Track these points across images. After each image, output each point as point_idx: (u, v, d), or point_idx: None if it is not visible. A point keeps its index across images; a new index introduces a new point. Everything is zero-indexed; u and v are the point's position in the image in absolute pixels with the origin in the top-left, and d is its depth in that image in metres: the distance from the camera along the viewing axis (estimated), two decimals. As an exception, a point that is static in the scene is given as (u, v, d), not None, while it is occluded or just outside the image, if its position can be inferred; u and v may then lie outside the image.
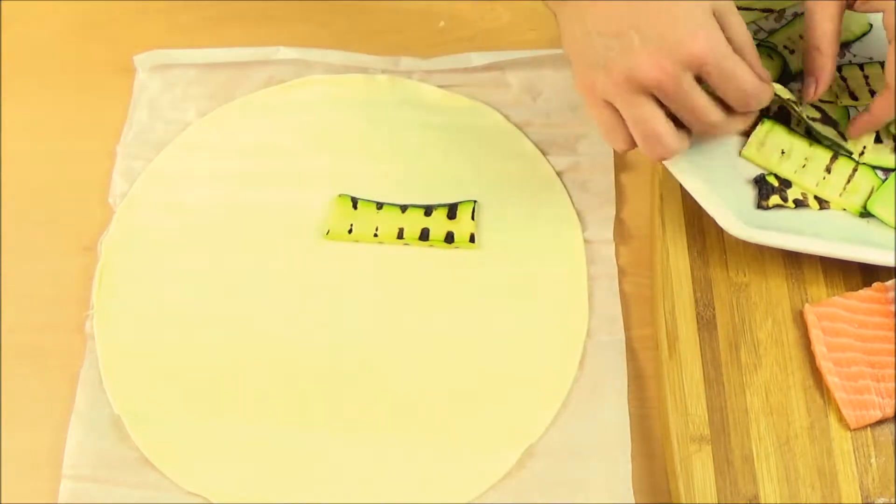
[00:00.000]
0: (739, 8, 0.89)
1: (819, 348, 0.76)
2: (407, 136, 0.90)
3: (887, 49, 0.77)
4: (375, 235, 0.85)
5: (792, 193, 0.81)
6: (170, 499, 0.76)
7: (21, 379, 0.81)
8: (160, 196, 0.88)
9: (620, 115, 0.75)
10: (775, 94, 0.77)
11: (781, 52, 0.87)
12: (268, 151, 0.90)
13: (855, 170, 0.82)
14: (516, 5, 0.96)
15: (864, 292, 0.78)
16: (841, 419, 0.74)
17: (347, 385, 0.80)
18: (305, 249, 0.85)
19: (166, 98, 0.93)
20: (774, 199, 0.81)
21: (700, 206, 0.79)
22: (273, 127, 0.91)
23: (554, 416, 0.78)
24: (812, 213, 0.81)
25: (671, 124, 0.74)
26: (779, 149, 0.82)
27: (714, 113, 0.74)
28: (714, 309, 0.78)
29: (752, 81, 0.74)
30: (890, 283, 0.77)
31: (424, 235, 0.85)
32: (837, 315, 0.77)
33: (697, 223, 0.82)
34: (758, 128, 0.82)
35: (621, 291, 0.83)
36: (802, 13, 0.88)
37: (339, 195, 0.87)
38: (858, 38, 0.88)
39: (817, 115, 0.83)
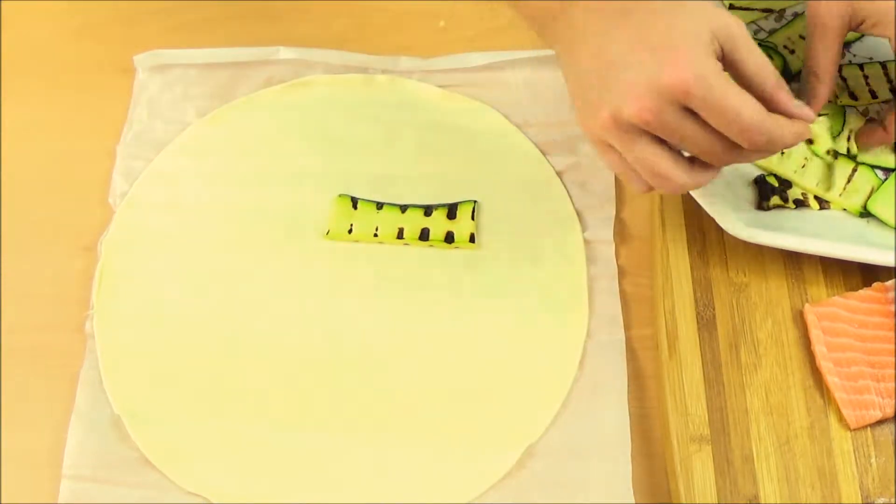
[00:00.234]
0: (739, 8, 0.89)
1: (819, 348, 0.76)
2: (407, 136, 0.90)
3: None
4: (375, 235, 0.85)
5: (792, 193, 0.81)
6: (170, 499, 0.76)
7: (21, 379, 0.81)
8: (160, 196, 0.88)
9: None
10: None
11: (781, 52, 0.87)
12: (268, 151, 0.90)
13: (855, 170, 0.82)
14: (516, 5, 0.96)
15: (864, 292, 0.78)
16: (841, 419, 0.74)
17: (347, 385, 0.80)
18: (305, 249, 0.85)
19: (166, 98, 0.93)
20: (775, 199, 0.81)
21: (700, 206, 0.79)
22: (273, 127, 0.91)
23: (554, 416, 0.78)
24: (812, 213, 0.81)
25: (679, 159, 0.69)
26: (779, 149, 0.82)
27: (716, 145, 0.67)
28: (714, 309, 0.78)
29: (752, 112, 0.66)
30: (890, 283, 0.77)
31: (424, 235, 0.85)
32: (837, 315, 0.77)
33: (697, 223, 0.82)
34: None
35: (621, 291, 0.83)
36: (802, 13, 0.88)
37: (339, 195, 0.87)
38: (859, 39, 0.88)
39: None
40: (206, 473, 0.77)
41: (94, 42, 0.96)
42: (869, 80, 0.86)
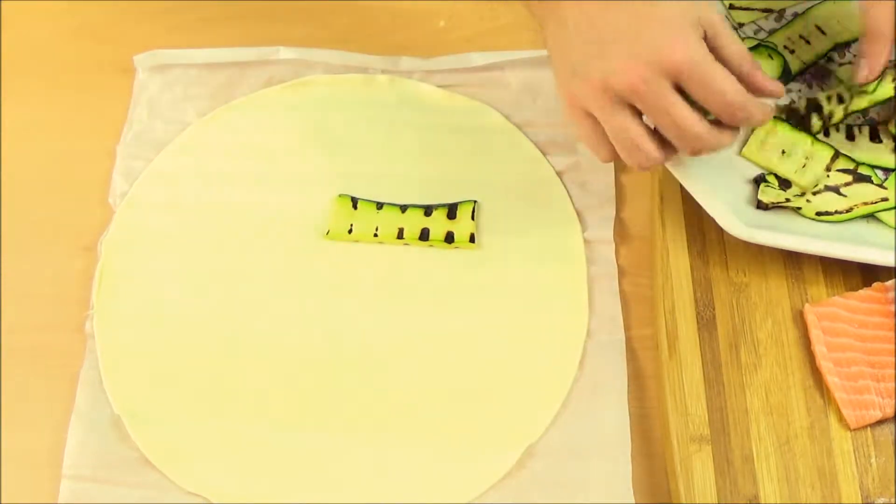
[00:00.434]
0: (740, 8, 0.90)
1: (819, 348, 0.76)
2: (407, 136, 0.90)
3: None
4: (375, 235, 0.85)
5: (792, 193, 0.81)
6: (170, 499, 0.76)
7: (21, 379, 0.81)
8: (160, 196, 0.88)
9: (601, 126, 0.74)
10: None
11: (781, 52, 0.87)
12: (268, 151, 0.90)
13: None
14: (516, 5, 0.96)
15: (864, 292, 0.78)
16: (841, 419, 0.74)
17: (347, 385, 0.80)
18: (305, 249, 0.85)
19: (166, 98, 0.93)
20: (775, 199, 0.81)
21: (700, 206, 0.79)
22: (273, 127, 0.91)
23: (554, 416, 0.78)
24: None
25: (653, 134, 0.74)
26: (779, 148, 0.82)
27: (697, 124, 0.72)
28: (714, 309, 0.78)
29: (735, 92, 0.72)
30: (890, 283, 0.77)
31: (424, 235, 0.85)
32: (837, 315, 0.77)
33: (697, 223, 0.82)
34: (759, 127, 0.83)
35: (621, 291, 0.83)
36: (803, 13, 0.88)
37: (339, 195, 0.87)
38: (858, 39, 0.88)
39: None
40: (206, 473, 0.77)
41: (94, 42, 0.96)
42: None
